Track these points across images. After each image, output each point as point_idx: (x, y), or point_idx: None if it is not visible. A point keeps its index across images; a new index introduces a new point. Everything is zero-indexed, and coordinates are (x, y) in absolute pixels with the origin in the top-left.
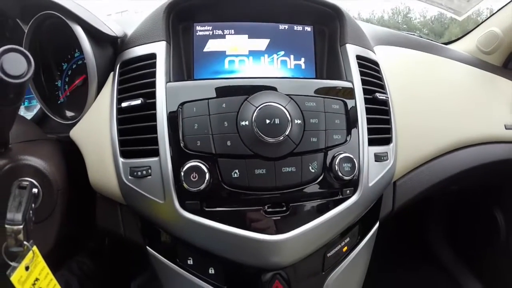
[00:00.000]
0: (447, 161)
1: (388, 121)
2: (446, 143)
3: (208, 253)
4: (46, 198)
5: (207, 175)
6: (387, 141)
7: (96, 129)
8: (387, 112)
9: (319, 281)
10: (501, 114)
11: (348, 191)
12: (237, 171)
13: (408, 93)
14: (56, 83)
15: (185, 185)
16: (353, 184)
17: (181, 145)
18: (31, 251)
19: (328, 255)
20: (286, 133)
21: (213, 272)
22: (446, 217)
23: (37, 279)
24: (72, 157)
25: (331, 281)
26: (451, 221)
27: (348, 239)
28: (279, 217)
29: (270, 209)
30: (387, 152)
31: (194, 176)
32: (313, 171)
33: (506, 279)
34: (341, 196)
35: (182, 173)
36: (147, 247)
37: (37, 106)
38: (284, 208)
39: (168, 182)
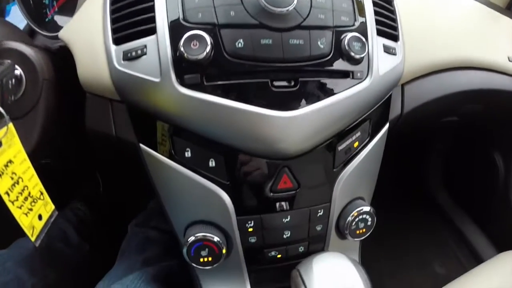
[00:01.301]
0: (452, 77)
1: (395, 20)
2: (451, 57)
3: (208, 142)
4: (30, 87)
5: (209, 43)
6: (394, 38)
7: (87, 24)
8: (393, 12)
9: (329, 179)
10: (504, 47)
11: (359, 74)
12: (241, 40)
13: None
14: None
15: (184, 53)
16: (364, 68)
17: (181, 18)
18: (5, 127)
19: (339, 148)
20: (293, 5)
21: (213, 164)
22: (444, 161)
23: (10, 161)
24: (60, 58)
25: (342, 180)
26: (449, 166)
27: (359, 134)
28: (287, 92)
29: (277, 83)
30: (395, 48)
31: (194, 44)
32: (322, 46)
33: (502, 223)
34: (352, 78)
35: (182, 42)
36: (140, 144)
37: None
38: (293, 83)
39: (166, 56)
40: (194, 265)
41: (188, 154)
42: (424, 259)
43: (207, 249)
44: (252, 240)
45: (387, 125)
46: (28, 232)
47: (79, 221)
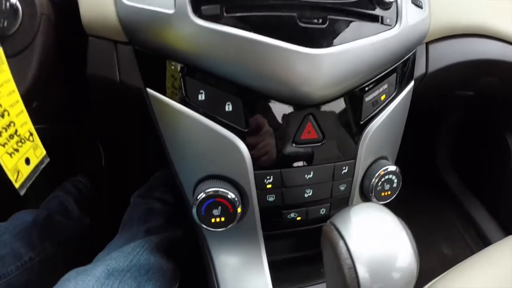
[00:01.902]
0: (474, 44)
1: None
2: (475, 23)
3: (225, 83)
4: (27, 20)
5: None
6: None
7: None
8: None
9: (356, 132)
10: None
11: (388, 20)
12: None
13: None
14: None
15: None
16: (393, 14)
17: None
18: None
19: (366, 99)
20: None
21: (230, 109)
22: (454, 142)
23: None
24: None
25: (369, 135)
26: (459, 147)
27: (386, 86)
28: (315, 28)
29: (304, 19)
30: (422, 1)
31: None
32: None
33: (511, 205)
34: (382, 23)
35: None
36: (147, 89)
37: None
38: (321, 21)
39: None
40: (205, 226)
41: (201, 97)
42: (432, 241)
43: (220, 208)
44: (270, 198)
45: (412, 82)
46: (11, 176)
47: (80, 194)
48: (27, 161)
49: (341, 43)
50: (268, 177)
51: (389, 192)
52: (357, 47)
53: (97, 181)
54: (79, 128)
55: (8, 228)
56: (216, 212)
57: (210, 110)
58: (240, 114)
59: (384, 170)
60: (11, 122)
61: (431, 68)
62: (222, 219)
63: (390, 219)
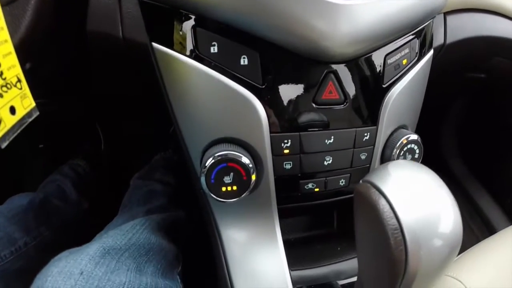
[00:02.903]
0: (491, 20)
1: None
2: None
3: (240, 34)
4: None
5: None
6: None
7: None
8: None
9: (378, 96)
10: None
11: None
12: None
13: None
14: None
15: None
16: None
17: None
18: None
19: (389, 61)
20: None
21: (245, 62)
22: (460, 128)
23: None
24: None
25: (391, 100)
26: (465, 133)
27: (407, 51)
28: None
29: None
30: None
31: None
32: None
33: None
34: None
35: None
36: (153, 43)
37: None
38: None
39: None
40: (214, 196)
41: (214, 49)
42: None
43: (231, 174)
44: (287, 166)
45: (431, 51)
46: None
47: (78, 177)
48: (12, 110)
49: None
50: (285, 141)
51: None
52: (383, 4)
53: (96, 164)
54: (79, 102)
55: (2, 211)
56: (227, 179)
57: (224, 64)
58: (256, 68)
59: (406, 139)
60: None
61: (449, 40)
62: (234, 187)
63: (432, 177)
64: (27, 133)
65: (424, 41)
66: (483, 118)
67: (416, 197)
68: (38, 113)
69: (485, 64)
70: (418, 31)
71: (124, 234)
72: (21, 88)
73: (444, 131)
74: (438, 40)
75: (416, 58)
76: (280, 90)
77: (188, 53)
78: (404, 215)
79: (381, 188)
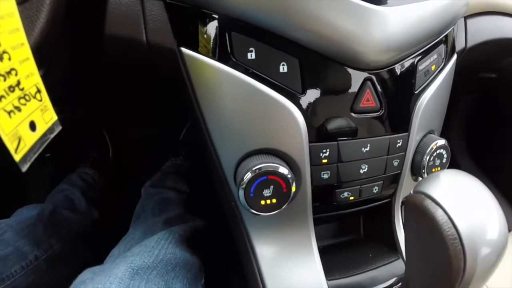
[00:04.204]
0: (509, 22)
1: None
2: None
3: (279, 40)
4: None
5: None
6: None
7: None
8: None
9: (410, 102)
10: None
11: None
12: None
13: None
14: None
15: None
16: None
17: None
18: None
19: (420, 67)
20: None
21: (285, 70)
22: (468, 124)
23: None
24: None
25: (422, 107)
26: (473, 129)
27: (435, 56)
28: None
29: None
30: None
31: None
32: None
33: None
34: None
35: None
36: (181, 48)
37: None
38: None
39: None
40: (253, 211)
41: (251, 55)
42: None
43: (271, 187)
44: (325, 175)
45: (455, 56)
46: (9, 143)
47: (87, 186)
48: (32, 126)
49: (404, 3)
50: (324, 151)
51: (438, 168)
52: (417, 8)
53: (105, 172)
54: (86, 105)
55: (10, 225)
56: (267, 192)
57: (262, 71)
58: (296, 75)
59: (435, 144)
60: (11, 69)
61: (469, 43)
62: (274, 200)
63: (480, 185)
64: None
65: (448, 46)
66: (491, 114)
67: (469, 206)
68: (60, 127)
69: (498, 64)
70: (444, 36)
71: (151, 250)
72: (41, 100)
73: (452, 128)
74: (460, 44)
75: (443, 64)
76: (319, 98)
77: (222, 59)
78: (462, 224)
79: (437, 199)
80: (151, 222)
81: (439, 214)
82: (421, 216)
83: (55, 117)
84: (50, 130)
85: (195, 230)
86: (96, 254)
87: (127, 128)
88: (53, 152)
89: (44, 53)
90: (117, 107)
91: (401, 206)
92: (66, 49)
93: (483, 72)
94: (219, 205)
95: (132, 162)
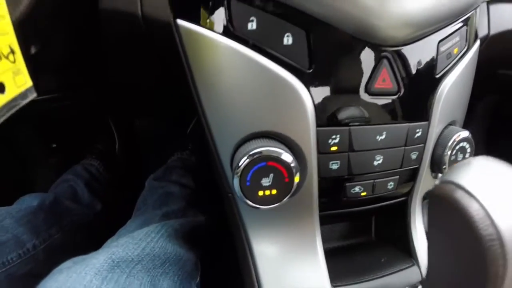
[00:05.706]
0: None
1: None
2: None
3: (283, 8)
4: None
5: None
6: None
7: None
8: None
9: (430, 87)
10: None
11: None
12: None
13: None
14: None
15: None
16: None
17: None
18: None
19: (441, 48)
20: None
21: (290, 42)
22: (487, 127)
23: None
24: None
25: (444, 92)
26: (493, 132)
27: (458, 39)
28: None
29: None
30: None
31: None
32: None
33: None
34: None
35: None
36: (177, 20)
37: None
38: None
39: None
40: (249, 202)
41: (252, 25)
42: None
43: (271, 175)
44: (334, 166)
45: (478, 42)
46: None
47: (91, 177)
48: (1, 87)
49: None
50: (333, 137)
51: None
52: None
53: (110, 165)
54: (94, 94)
55: (10, 212)
56: (266, 181)
57: (264, 43)
58: (302, 49)
59: (458, 136)
60: None
61: (492, 31)
62: (274, 191)
63: None
64: (40, 131)
65: (471, 30)
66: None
67: (510, 200)
68: (35, 94)
69: None
70: (466, 18)
71: (137, 243)
72: (14, 62)
73: (471, 129)
74: (483, 31)
75: (466, 48)
76: (329, 76)
77: (220, 30)
78: (503, 222)
79: (471, 190)
80: (150, 215)
81: (474, 209)
82: (450, 210)
83: (29, 82)
84: (22, 95)
85: (194, 226)
86: (96, 247)
87: (134, 120)
88: (60, 143)
89: (34, 28)
90: (124, 99)
91: (423, 200)
92: (61, 24)
93: (504, 68)
94: (222, 200)
95: (138, 155)
